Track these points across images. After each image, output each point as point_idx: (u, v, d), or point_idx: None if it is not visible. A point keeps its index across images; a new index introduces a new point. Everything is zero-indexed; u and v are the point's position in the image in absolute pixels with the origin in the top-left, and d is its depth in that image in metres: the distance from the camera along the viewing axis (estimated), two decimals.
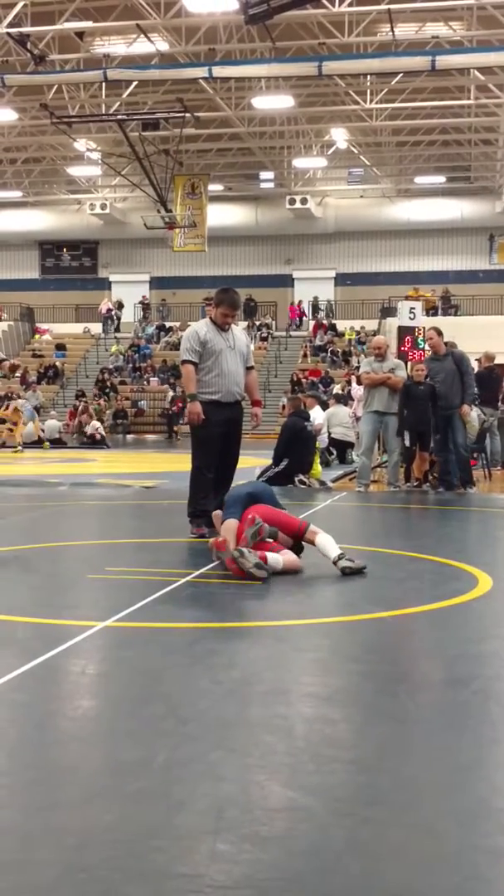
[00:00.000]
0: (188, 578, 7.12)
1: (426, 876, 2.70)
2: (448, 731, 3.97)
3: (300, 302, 49.17)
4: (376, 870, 2.74)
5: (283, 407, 19.85)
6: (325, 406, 21.46)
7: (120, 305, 50.44)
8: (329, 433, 20.18)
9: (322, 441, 18.40)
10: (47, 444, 30.56)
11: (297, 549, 7.62)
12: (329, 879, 2.66)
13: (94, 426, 33.57)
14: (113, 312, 50.05)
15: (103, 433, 33.90)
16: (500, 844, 2.90)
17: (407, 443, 14.90)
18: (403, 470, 15.61)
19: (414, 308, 20.84)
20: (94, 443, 32.62)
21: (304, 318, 48.94)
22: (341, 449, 20.73)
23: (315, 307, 48.78)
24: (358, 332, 45.31)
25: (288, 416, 16.00)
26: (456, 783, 3.38)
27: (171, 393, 39.18)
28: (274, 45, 29.57)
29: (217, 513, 8.17)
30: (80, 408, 36.90)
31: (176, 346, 42.34)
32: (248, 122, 38.89)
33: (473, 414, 15.92)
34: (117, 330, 49.65)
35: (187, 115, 32.41)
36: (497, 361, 20.50)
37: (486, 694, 4.41)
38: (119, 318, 50.17)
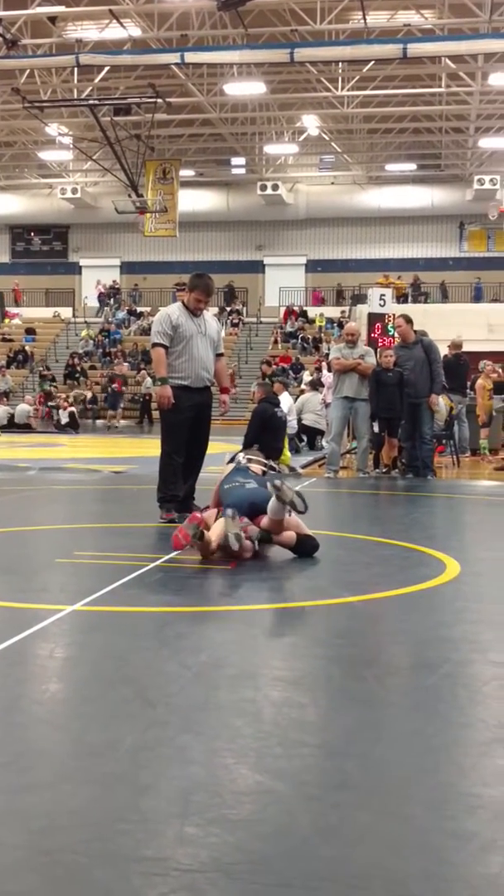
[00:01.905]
0: (157, 563, 7.12)
1: (394, 859, 2.70)
2: (416, 715, 3.97)
3: (317, 288, 49.00)
4: (344, 853, 2.73)
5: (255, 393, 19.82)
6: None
7: (113, 293, 50.28)
8: (300, 419, 20.20)
9: (291, 427, 18.41)
10: None
11: (303, 549, 7.56)
12: (296, 863, 2.66)
13: (70, 412, 33.54)
14: (106, 294, 49.99)
15: (76, 417, 33.94)
16: (467, 828, 2.90)
17: (376, 429, 14.96)
18: (372, 456, 15.66)
19: (384, 295, 20.86)
20: (63, 427, 32.58)
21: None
22: (311, 436, 20.76)
23: (339, 293, 48.57)
24: (337, 320, 45.02)
25: (258, 403, 15.98)
26: (424, 767, 3.38)
27: (149, 380, 39.09)
28: (246, 32, 29.55)
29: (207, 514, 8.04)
30: (60, 401, 36.45)
31: (146, 331, 42.22)
32: (220, 107, 38.79)
33: (441, 401, 15.97)
34: (119, 307, 49.49)
35: (159, 100, 32.32)
36: (465, 349, 20.56)
37: (455, 678, 4.42)
38: (120, 300, 50.04)
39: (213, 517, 7.79)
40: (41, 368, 43.96)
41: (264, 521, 7.38)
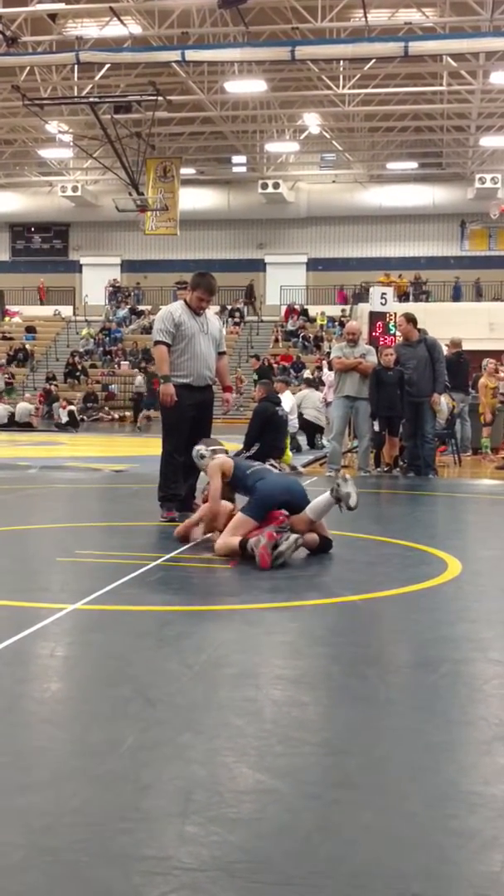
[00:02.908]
0: (158, 562, 7.11)
1: (395, 857, 2.70)
2: (417, 714, 3.97)
3: (343, 287, 48.90)
4: (345, 852, 2.74)
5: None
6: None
7: (116, 289, 50.26)
8: (300, 414, 20.17)
9: (292, 426, 18.39)
10: None
11: (319, 549, 7.57)
12: (297, 861, 2.66)
13: (69, 411, 33.55)
14: (114, 289, 49.98)
15: (76, 415, 33.94)
16: (468, 826, 2.90)
17: (376, 428, 14.95)
18: (373, 455, 15.65)
19: (385, 294, 20.84)
20: (64, 426, 32.59)
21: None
22: (311, 432, 20.73)
23: (365, 290, 48.32)
24: (338, 318, 44.93)
25: (259, 401, 15.97)
26: (425, 765, 3.38)
27: (139, 378, 38.99)
28: (247, 30, 29.51)
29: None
30: (59, 399, 36.38)
31: (147, 330, 42.17)
32: (221, 105, 38.74)
33: (443, 400, 15.96)
34: (118, 305, 49.45)
35: (160, 98, 32.30)
36: (466, 348, 20.54)
37: (455, 677, 4.42)
38: (120, 298, 49.99)
39: (231, 511, 7.75)
40: (6, 376, 43.61)
41: (295, 518, 7.36)
